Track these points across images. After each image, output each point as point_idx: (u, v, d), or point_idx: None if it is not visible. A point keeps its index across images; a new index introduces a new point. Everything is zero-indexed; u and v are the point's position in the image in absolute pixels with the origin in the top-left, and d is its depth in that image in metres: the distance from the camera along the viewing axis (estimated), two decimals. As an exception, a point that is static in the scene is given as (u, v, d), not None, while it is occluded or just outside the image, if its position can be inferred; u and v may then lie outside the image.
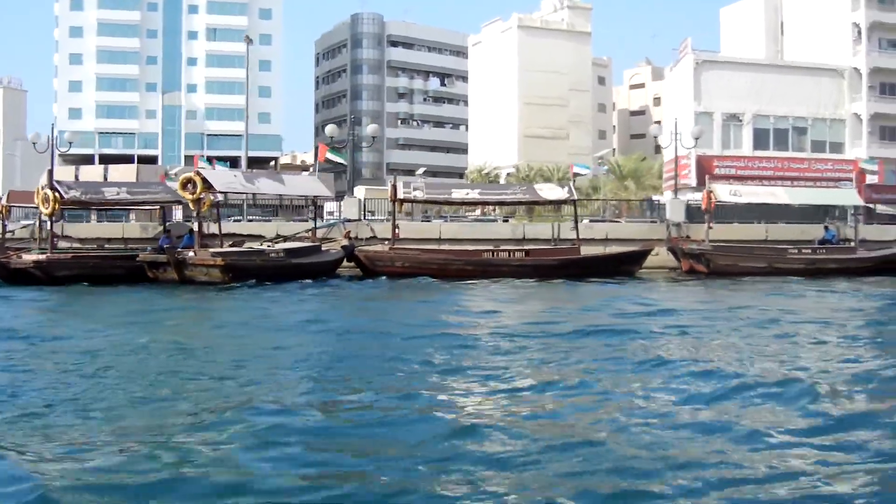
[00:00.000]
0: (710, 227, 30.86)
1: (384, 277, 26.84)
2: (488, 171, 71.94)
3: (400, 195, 29.69)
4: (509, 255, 29.42)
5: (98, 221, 36.32)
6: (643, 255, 29.78)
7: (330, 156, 34.17)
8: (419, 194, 30.10)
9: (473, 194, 30.38)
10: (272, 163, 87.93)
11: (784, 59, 57.62)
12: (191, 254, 25.12)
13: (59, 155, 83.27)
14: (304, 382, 9.12)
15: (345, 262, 28.95)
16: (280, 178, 29.47)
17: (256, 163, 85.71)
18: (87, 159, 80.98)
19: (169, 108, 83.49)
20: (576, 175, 33.03)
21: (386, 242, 29.99)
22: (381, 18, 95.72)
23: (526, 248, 29.96)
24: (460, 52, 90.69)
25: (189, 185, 25.70)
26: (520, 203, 31.40)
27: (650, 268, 31.12)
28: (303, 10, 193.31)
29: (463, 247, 30.49)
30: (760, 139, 53.09)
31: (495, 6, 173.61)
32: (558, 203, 31.85)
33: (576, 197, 29.60)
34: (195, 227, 26.27)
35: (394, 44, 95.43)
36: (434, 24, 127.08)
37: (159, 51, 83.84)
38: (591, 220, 39.40)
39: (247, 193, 27.73)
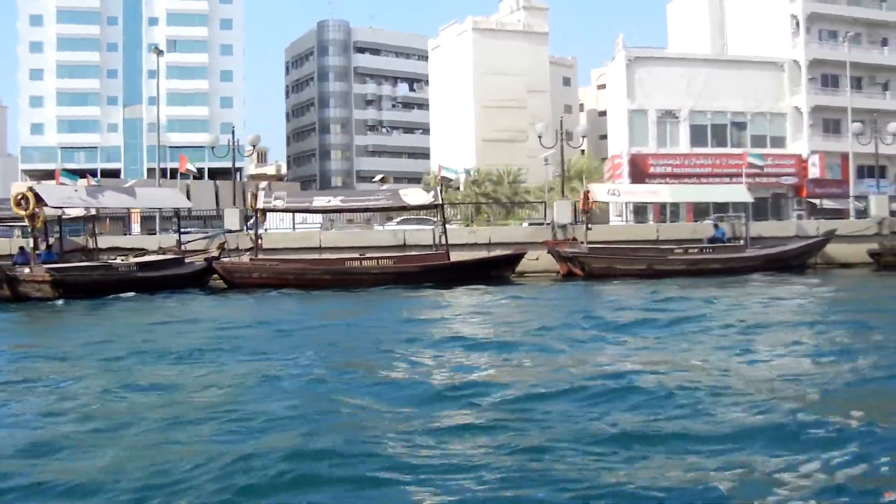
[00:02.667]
0: (588, 229, 29.77)
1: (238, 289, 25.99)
2: (455, 176, 70.71)
3: (260, 205, 28.84)
4: (377, 263, 28.48)
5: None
6: (515, 259, 28.72)
7: (189, 166, 33.40)
8: (279, 203, 29.19)
9: (335, 202, 29.43)
10: (238, 173, 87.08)
11: (726, 54, 56.21)
12: (27, 270, 24.38)
13: (23, 170, 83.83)
14: None
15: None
16: (131, 191, 28.60)
17: (221, 173, 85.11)
18: (50, 174, 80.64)
19: (130, 121, 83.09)
20: (444, 179, 31.83)
21: (247, 253, 29.21)
22: (347, 25, 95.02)
23: (394, 255, 28.95)
24: (428, 57, 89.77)
25: (23, 201, 24.87)
26: (384, 210, 30.36)
27: (536, 272, 30.06)
28: (276, 19, 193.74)
29: (342, 255, 29.60)
30: (698, 136, 51.76)
31: (463, 9, 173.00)
32: (424, 208, 30.74)
33: (440, 201, 28.50)
34: (30, 243, 25.47)
35: (360, 50, 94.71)
36: (403, 28, 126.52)
37: (120, 64, 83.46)
38: (530, 223, 38.42)
39: (88, 208, 26.76)
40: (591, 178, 58.50)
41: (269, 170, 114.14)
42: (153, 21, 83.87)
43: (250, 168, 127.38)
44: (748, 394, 8.56)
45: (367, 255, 28.80)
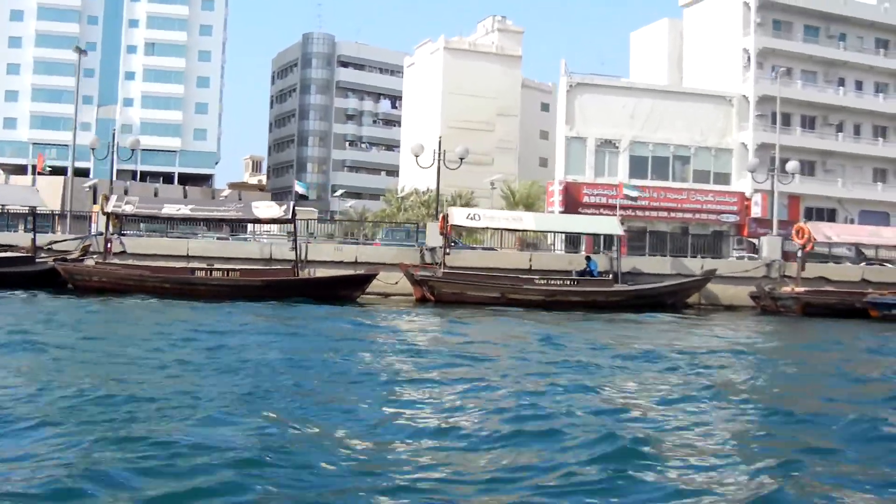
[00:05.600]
0: (447, 253, 28.71)
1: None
2: (404, 194, 69.95)
3: (109, 209, 28.10)
4: (223, 275, 27.60)
5: None
6: (364, 279, 27.73)
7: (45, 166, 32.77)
8: (129, 208, 28.42)
9: (185, 210, 28.58)
10: (209, 181, 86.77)
11: (673, 86, 54.89)
12: None
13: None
14: None
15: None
16: (-26, 187, 27.96)
17: (191, 179, 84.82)
18: (21, 169, 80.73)
19: (103, 121, 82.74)
20: (297, 194, 30.99)
21: (95, 257, 28.44)
22: (332, 39, 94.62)
23: (242, 268, 28.00)
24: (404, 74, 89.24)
25: None
26: (233, 220, 29.52)
27: (400, 294, 28.98)
28: (270, 29, 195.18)
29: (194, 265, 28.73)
30: (638, 167, 50.41)
31: (451, 28, 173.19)
32: (275, 222, 29.78)
33: (289, 216, 27.55)
34: None
35: (344, 64, 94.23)
36: (391, 45, 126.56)
37: (97, 64, 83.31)
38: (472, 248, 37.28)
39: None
40: (536, 204, 57.30)
41: (252, 179, 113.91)
42: (133, 23, 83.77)
43: (246, 176, 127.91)
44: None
45: (216, 267, 27.95)
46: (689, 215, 49.94)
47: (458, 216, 28.76)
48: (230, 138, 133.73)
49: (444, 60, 72.87)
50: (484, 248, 35.86)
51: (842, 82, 54.59)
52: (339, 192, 77.72)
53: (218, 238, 37.27)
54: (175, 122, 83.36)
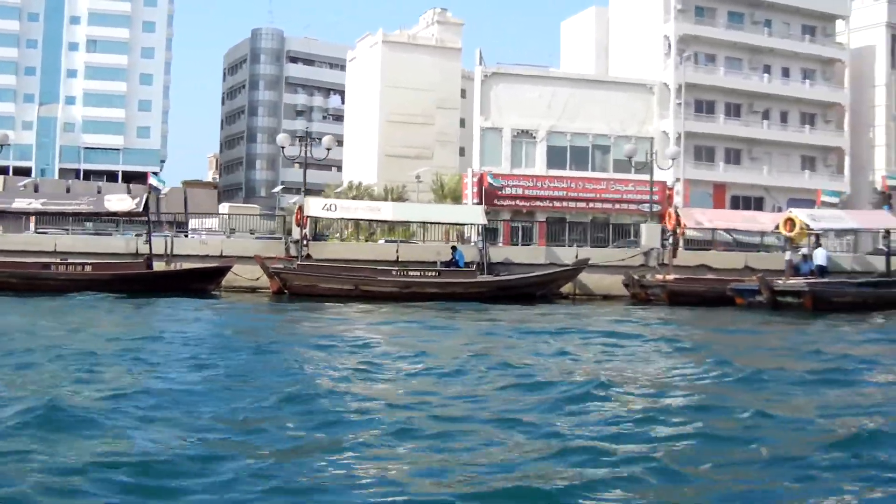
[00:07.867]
0: (304, 245, 28.10)
1: None
2: (340, 190, 69.27)
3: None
4: (79, 269, 26.95)
5: None
6: (217, 272, 27.16)
7: None
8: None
9: (36, 205, 27.88)
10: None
11: (587, 74, 54.28)
12: None
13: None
14: None
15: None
16: None
17: (137, 177, 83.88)
18: (-42, 169, 79.77)
19: (45, 119, 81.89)
20: (151, 188, 30.42)
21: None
22: (280, 34, 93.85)
23: (94, 261, 27.31)
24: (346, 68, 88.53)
25: None
26: (81, 214, 28.92)
27: (263, 289, 28.30)
28: (223, 26, 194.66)
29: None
30: (556, 158, 49.79)
31: (402, 20, 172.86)
32: (128, 216, 29.13)
33: (141, 209, 26.87)
34: None
35: (293, 59, 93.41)
36: (342, 40, 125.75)
37: (38, 62, 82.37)
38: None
39: None
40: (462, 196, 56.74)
41: (207, 177, 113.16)
42: (75, 20, 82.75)
43: (210, 174, 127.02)
44: None
45: (69, 262, 27.28)
46: (609, 205, 49.34)
47: (313, 207, 28.17)
48: (188, 136, 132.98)
49: (382, 54, 72.17)
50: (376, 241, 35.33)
51: (767, 69, 54.06)
52: (277, 188, 77.12)
53: (136, 235, 36.55)
54: (118, 119, 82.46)
